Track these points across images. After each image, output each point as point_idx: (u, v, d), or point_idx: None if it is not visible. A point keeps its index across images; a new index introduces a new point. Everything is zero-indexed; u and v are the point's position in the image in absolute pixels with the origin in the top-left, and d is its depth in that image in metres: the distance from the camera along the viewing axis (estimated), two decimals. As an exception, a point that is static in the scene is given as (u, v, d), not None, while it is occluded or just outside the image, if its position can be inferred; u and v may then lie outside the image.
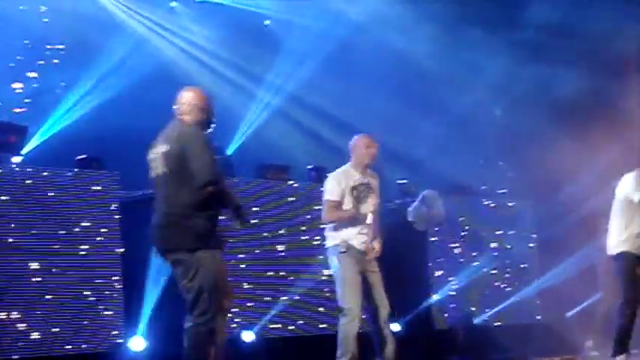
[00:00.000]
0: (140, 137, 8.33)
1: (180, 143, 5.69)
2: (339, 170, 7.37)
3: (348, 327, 7.07)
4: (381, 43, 11.57)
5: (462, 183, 11.89)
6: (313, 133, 11.40)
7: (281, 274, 9.79)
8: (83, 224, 8.55)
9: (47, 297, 8.22)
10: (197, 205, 5.63)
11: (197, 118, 5.89)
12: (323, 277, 9.86)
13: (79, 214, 8.57)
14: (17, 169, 8.45)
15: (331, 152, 10.03)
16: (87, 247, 8.55)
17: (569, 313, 11.58)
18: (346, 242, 7.17)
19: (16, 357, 7.96)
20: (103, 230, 8.68)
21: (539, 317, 12.07)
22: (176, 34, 11.22)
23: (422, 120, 11.83)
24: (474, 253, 11.62)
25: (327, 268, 9.73)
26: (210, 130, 5.98)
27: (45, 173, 8.49)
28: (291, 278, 9.85)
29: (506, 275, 11.90)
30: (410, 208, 10.44)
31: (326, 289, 9.81)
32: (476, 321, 11.33)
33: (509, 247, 11.98)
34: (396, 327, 10.13)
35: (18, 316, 8.04)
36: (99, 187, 8.76)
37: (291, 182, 10.25)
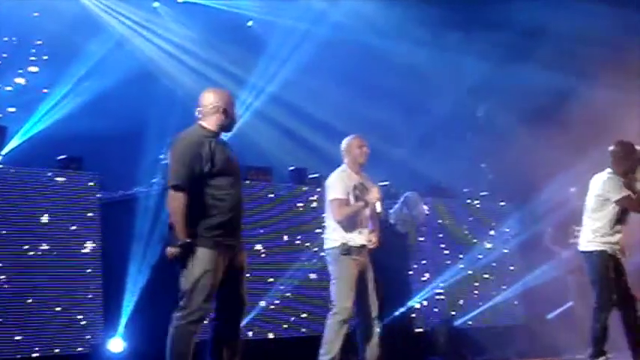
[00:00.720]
0: (120, 138, 8.35)
1: None
2: (338, 170, 7.44)
3: (338, 327, 7.11)
4: (362, 45, 11.59)
5: (444, 185, 11.91)
6: (295, 135, 11.40)
7: (262, 276, 9.75)
8: (63, 225, 8.50)
9: (26, 298, 8.16)
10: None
11: (218, 122, 5.82)
12: (305, 280, 9.86)
13: (58, 215, 8.51)
14: (-3, 168, 8.40)
15: (313, 154, 10.04)
16: (66, 247, 8.49)
17: (550, 315, 11.61)
18: (346, 244, 7.22)
19: (-5, 358, 7.92)
20: (82, 231, 8.62)
21: (520, 319, 12.08)
22: (158, 34, 11.22)
23: (403, 122, 11.87)
24: (455, 255, 11.62)
25: (310, 270, 9.84)
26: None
27: (25, 173, 8.43)
28: (271, 280, 9.81)
29: (488, 277, 11.91)
30: (391, 211, 10.49)
31: (307, 293, 9.80)
32: (456, 323, 11.33)
33: (490, 247, 11.99)
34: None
35: (-3, 317, 8.00)
36: (79, 188, 8.71)
37: (273, 184, 10.21)
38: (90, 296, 8.52)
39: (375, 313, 7.30)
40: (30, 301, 8.18)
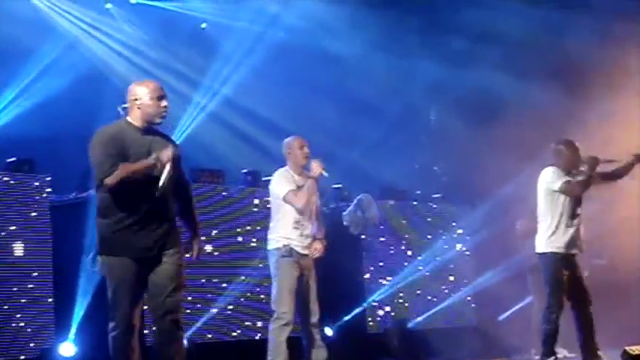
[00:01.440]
0: (72, 140, 8.25)
1: None
2: (281, 170, 7.44)
3: (280, 332, 7.10)
4: (316, 47, 11.60)
5: (397, 187, 11.96)
6: (248, 138, 11.39)
7: (214, 280, 9.71)
8: (12, 228, 8.40)
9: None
10: (100, 209, 5.58)
11: (139, 115, 5.72)
12: (258, 282, 9.83)
13: (8, 218, 8.41)
14: (-55, 172, 8.29)
15: (267, 156, 10.02)
16: (16, 251, 8.39)
17: (502, 316, 11.71)
18: (288, 246, 7.21)
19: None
20: (33, 234, 8.53)
21: (473, 320, 12.16)
22: (111, 35, 11.13)
23: (357, 124, 11.90)
24: (409, 257, 11.67)
25: (263, 273, 9.81)
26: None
27: (-26, 176, 8.33)
28: (224, 285, 9.77)
29: (441, 278, 11.98)
30: (345, 212, 10.51)
31: (261, 294, 9.78)
32: (410, 324, 11.37)
33: (444, 248, 12.05)
34: (328, 331, 10.15)
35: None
36: (29, 191, 8.61)
37: (225, 186, 10.18)
38: (40, 300, 8.42)
39: (314, 319, 7.29)
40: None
